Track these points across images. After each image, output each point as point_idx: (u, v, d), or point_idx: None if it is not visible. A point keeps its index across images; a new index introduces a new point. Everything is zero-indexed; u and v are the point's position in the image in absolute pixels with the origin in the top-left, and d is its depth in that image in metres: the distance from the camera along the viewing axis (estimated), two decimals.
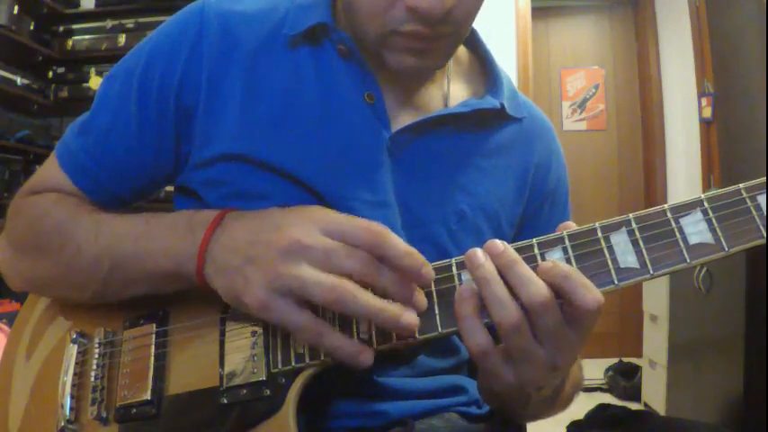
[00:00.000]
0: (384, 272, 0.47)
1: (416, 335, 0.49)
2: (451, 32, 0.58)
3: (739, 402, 1.75)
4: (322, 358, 0.50)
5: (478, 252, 0.46)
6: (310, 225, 0.49)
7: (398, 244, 0.47)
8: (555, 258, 0.48)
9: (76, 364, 0.59)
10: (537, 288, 0.44)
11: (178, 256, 0.53)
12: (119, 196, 0.66)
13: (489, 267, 0.46)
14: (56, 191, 0.65)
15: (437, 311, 0.49)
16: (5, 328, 1.68)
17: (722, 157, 2.78)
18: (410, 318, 0.47)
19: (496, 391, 0.50)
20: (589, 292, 0.44)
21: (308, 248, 0.47)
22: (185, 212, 0.56)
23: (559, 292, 0.45)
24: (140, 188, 0.67)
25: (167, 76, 0.61)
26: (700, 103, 2.92)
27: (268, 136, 0.60)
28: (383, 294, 0.47)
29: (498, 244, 0.47)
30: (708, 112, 2.85)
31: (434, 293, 0.50)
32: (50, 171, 0.66)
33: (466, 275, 0.49)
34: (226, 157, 0.60)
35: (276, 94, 0.61)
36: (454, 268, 0.50)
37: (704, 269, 1.94)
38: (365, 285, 0.47)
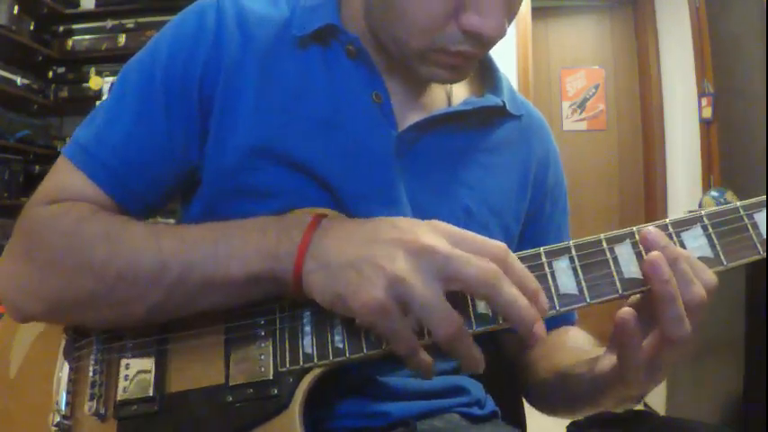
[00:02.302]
0: (508, 292, 0.44)
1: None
2: (486, 51, 0.60)
3: (739, 402, 1.74)
4: (330, 358, 0.50)
5: (663, 263, 0.44)
6: (433, 231, 0.47)
7: (521, 266, 0.46)
8: (562, 267, 0.48)
9: (73, 359, 0.58)
10: (698, 288, 0.44)
11: (274, 252, 0.49)
12: (146, 198, 0.62)
13: (675, 284, 0.44)
14: (77, 200, 0.59)
15: (471, 310, 0.49)
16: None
17: (722, 157, 2.78)
18: (541, 327, 0.45)
19: (628, 384, 0.49)
20: (707, 272, 0.46)
21: (435, 253, 0.44)
22: (267, 217, 0.53)
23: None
24: (167, 186, 0.64)
25: (190, 66, 0.61)
26: (700, 103, 2.92)
27: (281, 132, 0.61)
28: (500, 310, 0.45)
29: (659, 237, 0.46)
30: (708, 112, 2.85)
31: None
32: (66, 177, 0.61)
33: None
34: (239, 150, 0.60)
35: (287, 93, 0.62)
36: None
37: None
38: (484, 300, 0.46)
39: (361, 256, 0.46)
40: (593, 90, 3.64)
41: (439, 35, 0.55)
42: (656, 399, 2.34)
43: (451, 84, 0.67)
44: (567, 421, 0.68)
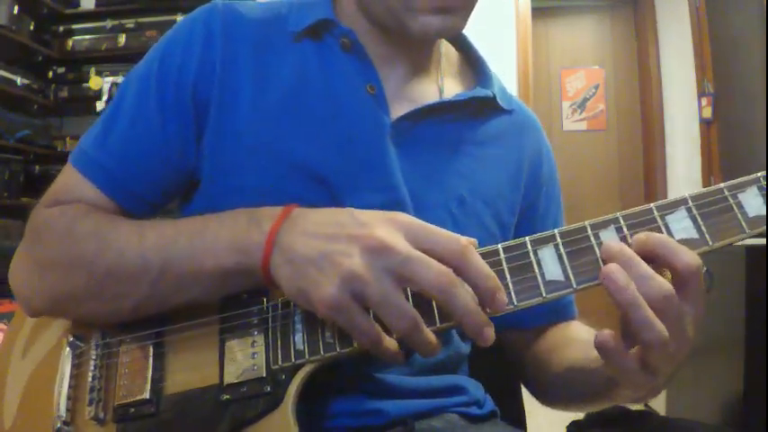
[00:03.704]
0: (461, 298, 0.45)
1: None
2: None
3: (739, 402, 1.74)
4: (322, 354, 0.51)
5: (617, 271, 0.44)
6: (395, 229, 0.47)
7: (481, 263, 0.46)
8: (548, 255, 0.48)
9: (73, 366, 0.59)
10: (656, 282, 0.44)
11: (243, 247, 0.51)
12: (145, 199, 0.64)
13: (634, 289, 0.44)
14: (79, 202, 0.62)
15: (435, 305, 0.49)
16: (6, 328, 1.68)
17: (722, 157, 2.79)
18: (490, 332, 0.46)
19: (624, 383, 0.50)
20: (687, 254, 0.45)
21: (391, 252, 0.45)
22: (240, 210, 0.54)
23: (659, 260, 0.45)
24: (165, 186, 0.65)
25: (183, 71, 0.63)
26: (700, 103, 2.92)
27: (278, 126, 0.62)
28: (452, 314, 0.46)
29: (614, 246, 0.46)
30: (708, 112, 2.86)
31: None
32: (70, 182, 0.63)
33: None
34: (237, 150, 0.61)
35: (284, 87, 0.63)
36: None
37: (704, 269, 1.94)
38: (439, 301, 0.46)
39: (322, 252, 0.47)
40: (593, 90, 3.64)
41: None
42: (657, 399, 2.34)
43: (446, 35, 0.68)
44: (566, 420, 0.68)
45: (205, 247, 0.52)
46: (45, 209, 0.63)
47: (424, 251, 0.46)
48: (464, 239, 0.47)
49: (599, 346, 0.46)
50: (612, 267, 0.45)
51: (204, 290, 0.54)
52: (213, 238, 0.53)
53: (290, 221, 0.51)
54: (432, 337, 0.47)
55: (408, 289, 0.47)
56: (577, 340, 0.69)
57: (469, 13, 0.64)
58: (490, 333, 0.46)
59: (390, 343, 0.47)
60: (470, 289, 0.46)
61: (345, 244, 0.47)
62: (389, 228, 0.47)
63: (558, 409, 0.71)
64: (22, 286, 0.61)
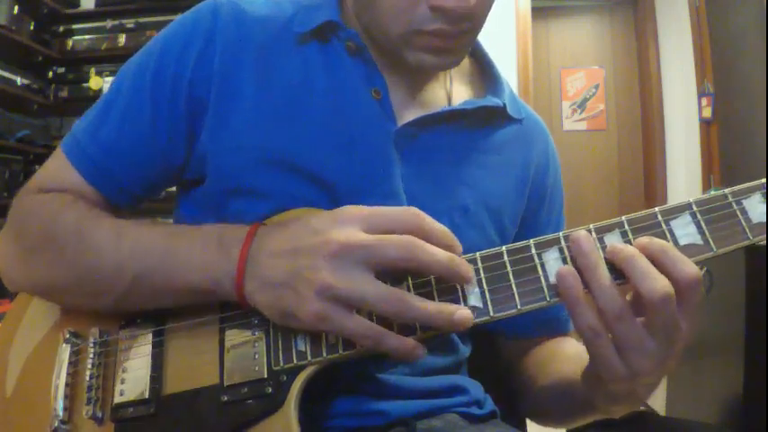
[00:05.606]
0: (427, 253, 0.47)
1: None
2: (471, 29, 0.60)
3: (739, 402, 1.74)
4: (324, 356, 0.50)
5: (584, 239, 0.46)
6: (347, 224, 0.48)
7: (434, 223, 0.49)
8: (552, 258, 0.48)
9: (70, 363, 0.58)
10: (652, 282, 0.44)
11: (213, 273, 0.52)
12: (130, 192, 0.65)
13: (594, 255, 0.45)
14: (65, 189, 0.63)
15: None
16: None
17: (722, 157, 2.78)
18: (463, 313, 0.47)
19: (606, 380, 0.49)
20: (687, 265, 0.44)
21: (352, 250, 0.46)
22: (212, 228, 0.55)
23: (659, 266, 0.45)
24: (152, 182, 0.66)
25: (181, 67, 0.62)
26: (700, 103, 2.92)
27: (281, 128, 0.61)
28: (427, 271, 0.48)
29: (618, 245, 0.47)
30: (708, 112, 2.85)
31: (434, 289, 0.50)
32: (58, 168, 0.64)
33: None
34: (239, 151, 0.61)
35: (287, 89, 0.63)
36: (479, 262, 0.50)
37: (704, 269, 1.94)
38: (413, 271, 0.49)
39: (290, 272, 0.48)
40: (594, 90, 3.64)
41: (412, 16, 0.57)
42: (656, 399, 2.34)
43: (441, 70, 0.67)
44: None
45: (176, 267, 0.53)
46: (31, 195, 0.64)
47: (384, 232, 0.47)
48: (413, 209, 0.49)
49: (560, 280, 0.46)
50: (566, 270, 0.46)
51: (178, 301, 0.55)
52: (185, 259, 0.53)
53: (255, 244, 0.51)
54: (429, 304, 0.47)
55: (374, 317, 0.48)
56: (567, 354, 0.69)
57: (466, 51, 0.64)
58: (464, 315, 0.46)
59: (395, 338, 0.48)
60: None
61: (309, 257, 0.47)
62: (342, 227, 0.48)
63: (546, 425, 0.71)
64: (5, 265, 0.62)
